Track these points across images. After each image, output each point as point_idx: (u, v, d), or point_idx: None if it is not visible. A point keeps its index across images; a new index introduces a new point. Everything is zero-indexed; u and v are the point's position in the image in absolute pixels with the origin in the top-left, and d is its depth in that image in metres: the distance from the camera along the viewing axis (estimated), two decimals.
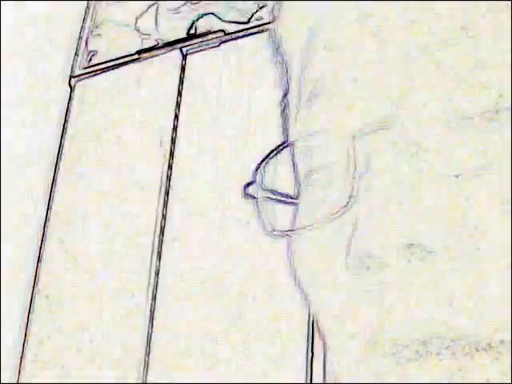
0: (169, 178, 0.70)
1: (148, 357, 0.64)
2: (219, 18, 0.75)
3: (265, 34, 0.72)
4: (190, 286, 0.66)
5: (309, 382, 0.59)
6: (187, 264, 0.67)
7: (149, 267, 0.67)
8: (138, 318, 0.66)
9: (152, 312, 0.66)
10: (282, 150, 0.54)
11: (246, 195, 0.55)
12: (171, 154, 0.71)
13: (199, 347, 0.63)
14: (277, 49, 0.58)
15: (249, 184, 0.54)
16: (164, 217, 0.69)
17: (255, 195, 0.54)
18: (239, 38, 0.73)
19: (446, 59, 0.47)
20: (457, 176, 0.45)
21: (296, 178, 0.54)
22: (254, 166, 0.67)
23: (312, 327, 0.60)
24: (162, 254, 0.68)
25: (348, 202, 0.48)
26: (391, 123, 0.47)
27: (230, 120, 0.70)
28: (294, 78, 0.56)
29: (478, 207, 0.44)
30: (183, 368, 0.63)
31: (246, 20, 0.73)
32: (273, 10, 0.57)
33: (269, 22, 0.70)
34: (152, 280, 0.67)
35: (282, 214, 0.53)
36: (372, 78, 0.49)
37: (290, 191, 0.54)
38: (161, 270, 0.67)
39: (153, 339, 0.65)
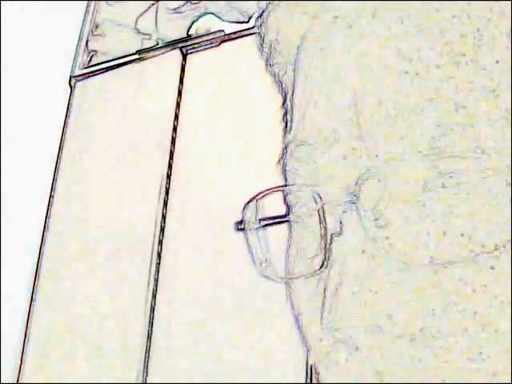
0: (169, 178, 0.70)
1: (148, 357, 0.64)
2: (219, 18, 0.75)
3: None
4: (189, 286, 0.66)
5: (309, 381, 0.59)
6: (187, 264, 0.67)
7: (149, 267, 0.67)
8: (138, 318, 0.66)
9: (152, 312, 0.66)
10: (271, 192, 0.53)
11: (238, 230, 0.54)
12: (171, 154, 0.71)
13: (199, 347, 0.63)
14: (268, 56, 0.57)
15: (240, 222, 0.54)
16: (164, 217, 0.69)
17: (246, 228, 0.53)
18: (239, 37, 0.73)
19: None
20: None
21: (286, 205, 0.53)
22: (254, 165, 0.67)
23: None
24: (162, 254, 0.68)
25: (322, 265, 0.47)
26: (357, 196, 0.46)
27: (229, 120, 0.70)
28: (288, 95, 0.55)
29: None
30: (183, 368, 0.63)
31: (246, 20, 0.73)
32: (261, 14, 0.56)
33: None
34: (152, 280, 0.67)
35: (272, 259, 0.53)
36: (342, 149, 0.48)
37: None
38: (161, 270, 0.67)
39: (153, 339, 0.65)
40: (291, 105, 0.53)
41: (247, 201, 0.53)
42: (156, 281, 0.67)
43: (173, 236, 0.68)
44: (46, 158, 0.76)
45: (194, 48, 0.75)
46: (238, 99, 0.70)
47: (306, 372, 0.59)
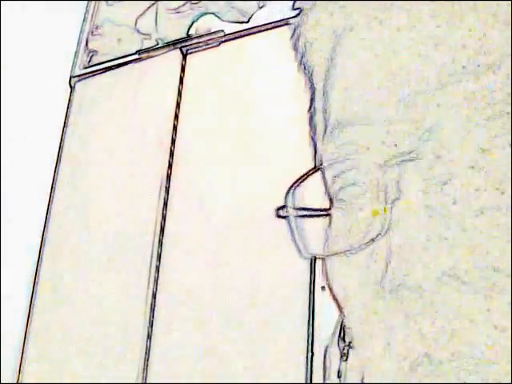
0: (169, 178, 0.70)
1: (148, 357, 0.64)
2: (219, 18, 0.75)
3: (265, 34, 0.72)
4: (189, 286, 0.66)
5: (309, 382, 0.59)
6: (187, 264, 0.67)
7: (149, 267, 0.67)
8: (138, 318, 0.66)
9: (152, 312, 0.66)
10: (311, 173, 0.54)
11: (279, 216, 0.56)
12: (171, 154, 0.71)
13: (199, 347, 0.63)
14: (302, 54, 0.58)
15: (280, 208, 0.56)
16: (164, 217, 0.69)
17: (287, 215, 0.55)
18: (239, 37, 0.73)
19: (474, 89, 0.47)
20: (481, 212, 0.45)
21: (328, 196, 0.54)
22: (253, 165, 0.67)
23: (312, 327, 0.60)
24: (162, 255, 0.68)
25: (381, 230, 0.49)
26: (419, 155, 0.48)
27: (229, 120, 0.70)
28: (318, 98, 0.57)
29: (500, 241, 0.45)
30: (183, 368, 0.63)
31: (245, 20, 0.73)
32: (301, 12, 0.57)
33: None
34: (152, 280, 0.67)
35: (314, 236, 0.54)
36: (401, 108, 0.49)
37: (321, 206, 0.54)
38: (161, 270, 0.67)
39: (153, 339, 0.65)
40: (325, 94, 0.54)
41: (289, 187, 0.55)
42: (156, 281, 0.67)
43: (173, 236, 0.68)
44: (46, 157, 0.76)
45: (194, 48, 0.75)
46: (238, 99, 0.70)
47: (306, 372, 0.59)
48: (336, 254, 0.52)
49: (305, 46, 0.58)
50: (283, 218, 0.55)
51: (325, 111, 0.55)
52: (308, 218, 0.54)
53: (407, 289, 0.47)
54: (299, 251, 0.55)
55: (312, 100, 0.58)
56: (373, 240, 0.49)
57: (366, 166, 0.50)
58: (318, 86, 0.57)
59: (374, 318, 0.49)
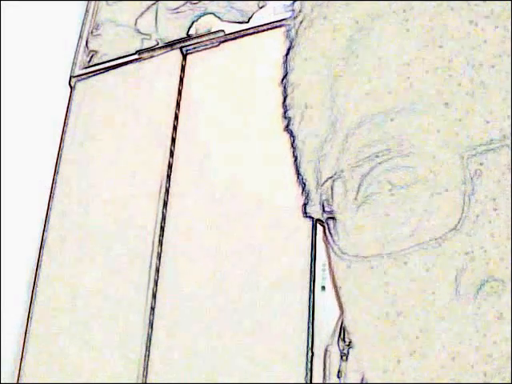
0: (169, 178, 0.70)
1: (148, 356, 0.64)
2: (219, 18, 0.75)
3: (265, 34, 0.72)
4: (189, 286, 0.66)
5: (309, 382, 0.59)
6: (187, 264, 0.67)
7: (149, 267, 0.67)
8: (138, 318, 0.66)
9: (152, 312, 0.66)
10: (340, 174, 0.51)
11: (306, 216, 0.53)
12: (171, 154, 0.71)
13: (199, 346, 0.63)
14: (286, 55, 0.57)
15: (305, 204, 0.53)
16: (164, 217, 0.69)
17: (316, 216, 0.52)
18: (239, 37, 0.73)
19: None
20: None
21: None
22: (253, 164, 0.67)
23: (312, 327, 0.60)
24: (162, 255, 0.68)
25: (458, 224, 0.45)
26: (501, 145, 0.46)
27: (230, 120, 0.70)
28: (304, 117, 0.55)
29: None
30: (183, 367, 0.63)
31: (246, 20, 0.73)
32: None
33: (272, 22, 0.70)
34: (152, 280, 0.67)
35: (348, 237, 0.51)
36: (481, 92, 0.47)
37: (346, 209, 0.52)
38: (161, 271, 0.67)
39: (153, 339, 0.65)
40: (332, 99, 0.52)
41: (325, 180, 0.52)
42: (156, 281, 0.67)
43: (173, 236, 0.68)
44: (46, 157, 0.76)
45: (194, 48, 0.75)
46: (238, 99, 0.70)
47: (306, 372, 0.59)
48: (375, 258, 0.48)
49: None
50: (310, 217, 0.53)
51: (330, 113, 0.52)
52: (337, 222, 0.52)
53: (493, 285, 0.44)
54: (334, 252, 0.52)
55: (286, 108, 0.56)
56: (445, 236, 0.46)
57: (445, 155, 0.47)
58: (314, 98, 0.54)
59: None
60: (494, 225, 0.45)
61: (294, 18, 0.57)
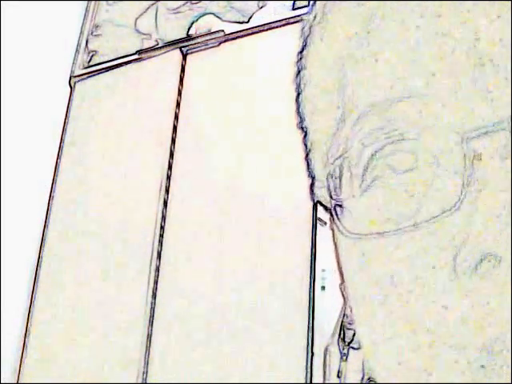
0: (169, 178, 0.70)
1: (148, 357, 0.64)
2: (219, 18, 0.75)
3: (265, 34, 0.72)
4: (189, 286, 0.66)
5: (309, 382, 0.59)
6: (187, 264, 0.67)
7: (149, 267, 0.67)
8: (138, 318, 0.66)
9: (152, 312, 0.66)
10: (347, 156, 0.52)
11: (313, 198, 0.54)
12: (171, 154, 0.71)
13: (199, 346, 0.63)
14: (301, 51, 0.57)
15: (312, 184, 0.54)
16: (164, 217, 0.69)
17: (323, 201, 0.53)
18: (239, 37, 0.73)
19: None
20: None
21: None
22: (254, 164, 0.67)
23: (312, 327, 0.60)
24: (162, 254, 0.68)
25: (456, 203, 0.46)
26: (500, 128, 0.46)
27: (229, 120, 0.70)
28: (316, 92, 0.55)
29: None
30: (183, 368, 0.63)
31: (246, 20, 0.73)
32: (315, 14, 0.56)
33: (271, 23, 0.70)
34: (152, 280, 0.67)
35: (355, 215, 0.52)
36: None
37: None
38: (161, 270, 0.67)
39: (153, 339, 0.65)
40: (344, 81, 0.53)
41: (332, 162, 0.53)
42: (156, 281, 0.67)
43: (173, 236, 0.68)
44: (46, 157, 0.76)
45: (194, 48, 0.75)
46: (238, 99, 0.70)
47: (306, 372, 0.59)
48: (393, 231, 0.49)
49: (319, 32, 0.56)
50: (319, 202, 0.54)
51: (340, 104, 0.53)
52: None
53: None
54: (340, 231, 0.52)
55: (299, 105, 0.57)
56: (445, 214, 0.47)
57: (445, 136, 0.48)
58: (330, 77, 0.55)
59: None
60: (493, 206, 0.46)
61: (309, 14, 0.58)
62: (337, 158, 0.52)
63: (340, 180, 0.52)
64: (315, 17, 0.56)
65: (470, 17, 0.49)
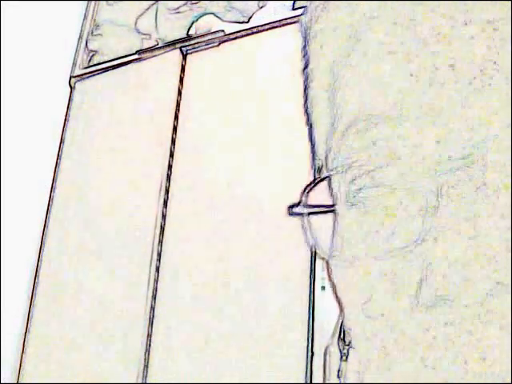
0: (169, 178, 0.70)
1: (148, 357, 0.64)
2: (219, 18, 0.75)
3: (265, 34, 0.72)
4: (189, 286, 0.66)
5: (309, 382, 0.59)
6: (187, 264, 0.67)
7: (149, 267, 0.67)
8: (138, 318, 0.66)
9: (152, 312, 0.66)
10: (329, 175, 0.52)
11: (291, 214, 0.54)
12: (171, 154, 0.71)
13: (199, 347, 0.63)
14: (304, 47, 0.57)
15: (293, 206, 0.54)
16: (164, 217, 0.69)
17: (301, 213, 0.53)
18: (239, 37, 0.73)
19: None
20: None
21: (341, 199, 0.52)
22: (253, 164, 0.67)
23: (312, 327, 0.60)
24: (162, 254, 0.68)
25: (419, 238, 0.46)
26: (471, 162, 0.46)
27: (229, 120, 0.70)
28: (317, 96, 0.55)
29: None
30: (183, 368, 0.63)
31: (246, 20, 0.73)
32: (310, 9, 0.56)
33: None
34: (152, 280, 0.67)
35: (329, 238, 0.52)
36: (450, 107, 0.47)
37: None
38: (161, 270, 0.67)
39: (153, 339, 0.65)
40: (333, 90, 0.52)
41: (305, 186, 0.53)
42: (156, 281, 0.67)
43: (173, 236, 0.68)
44: (46, 157, 0.76)
45: (193, 48, 0.75)
46: (238, 99, 0.70)
47: (306, 372, 0.59)
48: (355, 260, 0.49)
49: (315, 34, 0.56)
50: (297, 215, 0.54)
51: (333, 109, 0.53)
52: (321, 217, 0.52)
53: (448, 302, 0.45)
54: (315, 252, 0.53)
55: (306, 99, 0.57)
56: (407, 248, 0.46)
57: (403, 168, 0.47)
58: (319, 83, 0.55)
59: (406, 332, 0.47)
60: (455, 241, 0.45)
61: (305, 15, 0.57)
62: (330, 169, 0.52)
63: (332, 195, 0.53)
64: (311, 18, 0.56)
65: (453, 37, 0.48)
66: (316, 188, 0.53)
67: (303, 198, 0.52)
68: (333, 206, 0.52)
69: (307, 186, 0.53)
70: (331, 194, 0.53)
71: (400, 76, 0.48)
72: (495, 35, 0.47)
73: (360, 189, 0.49)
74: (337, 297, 0.52)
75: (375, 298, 0.48)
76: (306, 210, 0.52)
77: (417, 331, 0.46)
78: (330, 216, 0.53)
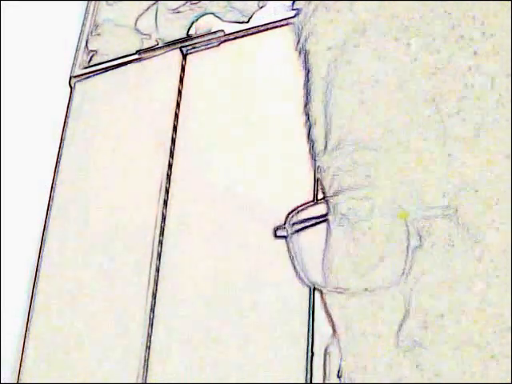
0: (169, 178, 0.70)
1: (148, 357, 0.64)
2: (219, 18, 0.75)
3: (265, 34, 0.72)
4: (189, 286, 0.66)
5: (309, 382, 0.59)
6: (187, 264, 0.67)
7: (149, 267, 0.67)
8: (138, 318, 0.66)
9: (152, 312, 0.66)
10: (316, 203, 0.51)
11: (277, 237, 0.53)
12: (171, 154, 0.71)
13: (199, 347, 0.63)
14: (300, 52, 0.56)
15: (278, 228, 0.53)
16: (164, 217, 0.69)
17: (286, 236, 0.52)
18: (239, 37, 0.73)
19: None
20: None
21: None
22: (254, 165, 0.67)
23: (312, 327, 0.60)
24: (162, 254, 0.68)
25: (401, 277, 0.45)
26: (453, 211, 0.45)
27: (229, 120, 0.70)
28: (318, 107, 0.54)
29: None
30: (183, 368, 0.63)
31: (246, 20, 0.73)
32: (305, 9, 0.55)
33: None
34: (152, 280, 0.67)
35: (315, 265, 0.51)
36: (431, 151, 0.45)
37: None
38: (161, 270, 0.67)
39: (153, 339, 0.65)
40: (325, 106, 0.51)
41: (291, 209, 0.52)
42: (156, 281, 0.67)
43: (173, 236, 0.68)
44: (46, 157, 0.76)
45: (194, 48, 0.75)
46: (238, 99, 0.70)
47: (306, 372, 0.59)
48: (339, 291, 0.49)
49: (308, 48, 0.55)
50: (282, 237, 0.53)
51: (326, 126, 0.52)
52: (308, 242, 0.52)
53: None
54: (300, 278, 0.52)
55: (308, 110, 0.56)
56: (389, 286, 0.46)
57: (381, 200, 0.46)
58: (317, 96, 0.54)
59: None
60: (432, 285, 0.45)
61: (298, 16, 0.57)
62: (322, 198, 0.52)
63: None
64: (304, 17, 0.56)
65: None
66: (300, 213, 0.52)
67: (287, 222, 0.51)
68: (322, 216, 0.51)
69: (292, 210, 0.52)
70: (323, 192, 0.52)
71: (385, 107, 0.47)
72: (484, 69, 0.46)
73: (349, 209, 0.48)
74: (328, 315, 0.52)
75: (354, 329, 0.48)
76: (290, 232, 0.51)
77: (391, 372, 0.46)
78: (319, 234, 0.52)
